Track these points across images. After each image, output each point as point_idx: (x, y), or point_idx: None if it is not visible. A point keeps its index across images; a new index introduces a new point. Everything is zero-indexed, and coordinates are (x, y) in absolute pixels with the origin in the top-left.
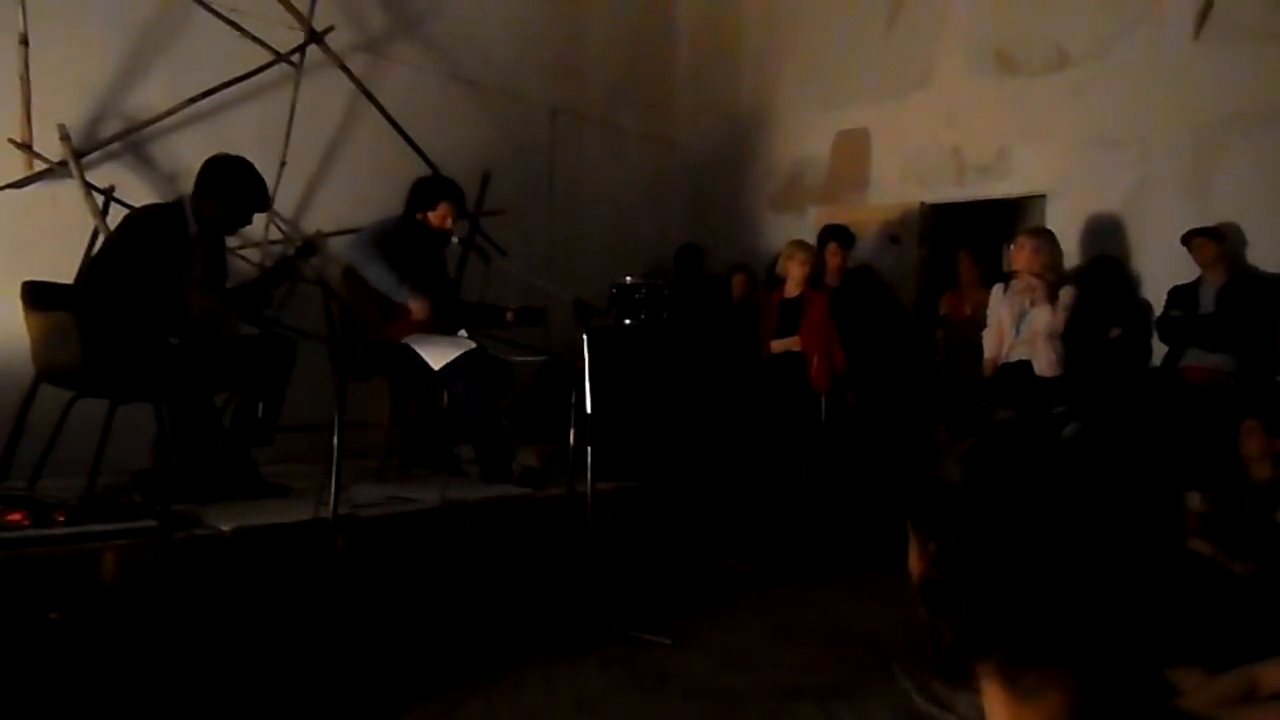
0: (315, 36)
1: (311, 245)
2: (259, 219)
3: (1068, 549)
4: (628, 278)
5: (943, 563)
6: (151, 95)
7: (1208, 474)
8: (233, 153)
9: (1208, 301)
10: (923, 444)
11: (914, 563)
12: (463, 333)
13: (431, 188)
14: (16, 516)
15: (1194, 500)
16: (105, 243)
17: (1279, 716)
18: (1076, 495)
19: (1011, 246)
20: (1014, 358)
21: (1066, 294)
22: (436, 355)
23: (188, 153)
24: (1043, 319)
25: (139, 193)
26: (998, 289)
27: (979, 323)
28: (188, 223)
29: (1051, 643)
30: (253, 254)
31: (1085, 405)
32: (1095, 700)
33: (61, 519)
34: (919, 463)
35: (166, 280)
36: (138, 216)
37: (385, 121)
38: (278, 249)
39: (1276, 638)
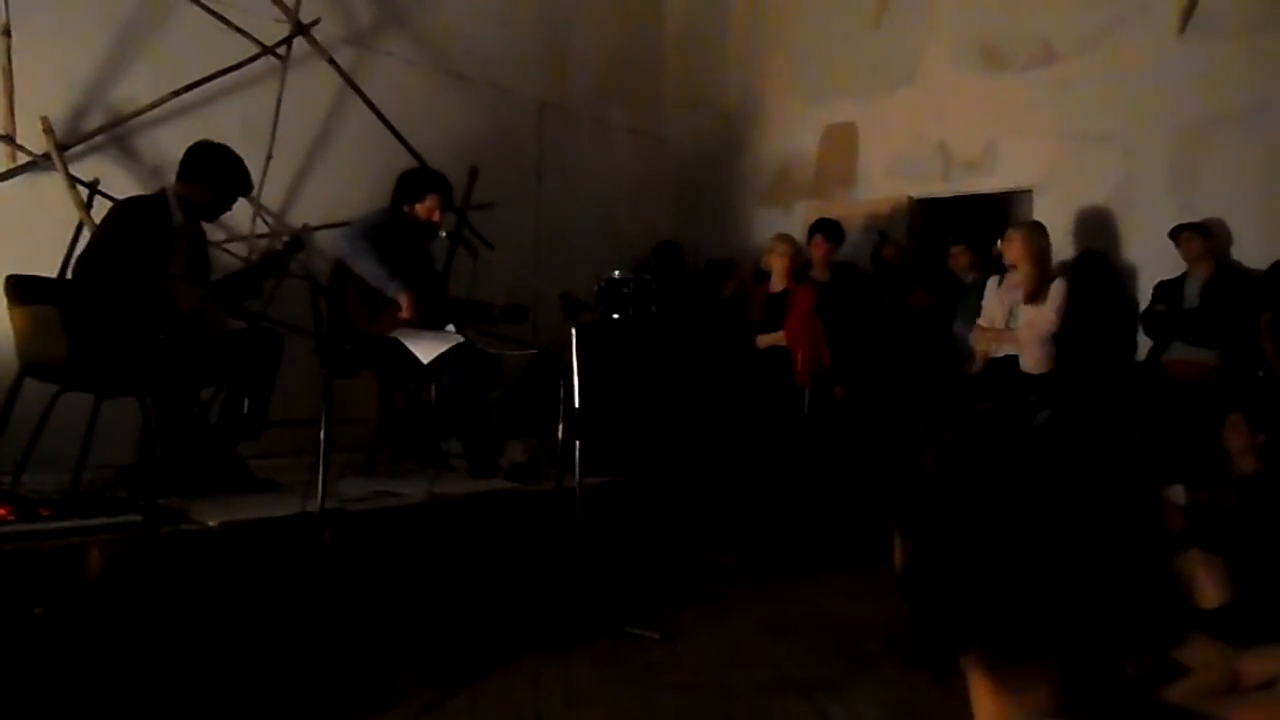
0: (301, 29)
1: (299, 241)
2: (246, 213)
3: (1044, 540)
4: (615, 272)
5: (920, 555)
6: (136, 88)
7: (1191, 468)
8: (214, 140)
9: (1192, 296)
10: (903, 437)
11: (896, 556)
12: (450, 327)
13: (418, 180)
14: (1, 512)
15: (1177, 494)
16: (91, 237)
17: (1263, 708)
18: (1051, 485)
19: (1001, 240)
20: (1002, 353)
21: (1057, 291)
22: (425, 349)
23: (172, 145)
24: (1035, 321)
25: (123, 185)
26: (991, 283)
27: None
28: (172, 213)
29: (1031, 635)
30: (239, 248)
31: (1059, 394)
32: (1078, 691)
33: (46, 514)
34: (898, 456)
35: (152, 272)
36: (121, 208)
37: (372, 114)
38: (264, 243)
39: (1260, 627)
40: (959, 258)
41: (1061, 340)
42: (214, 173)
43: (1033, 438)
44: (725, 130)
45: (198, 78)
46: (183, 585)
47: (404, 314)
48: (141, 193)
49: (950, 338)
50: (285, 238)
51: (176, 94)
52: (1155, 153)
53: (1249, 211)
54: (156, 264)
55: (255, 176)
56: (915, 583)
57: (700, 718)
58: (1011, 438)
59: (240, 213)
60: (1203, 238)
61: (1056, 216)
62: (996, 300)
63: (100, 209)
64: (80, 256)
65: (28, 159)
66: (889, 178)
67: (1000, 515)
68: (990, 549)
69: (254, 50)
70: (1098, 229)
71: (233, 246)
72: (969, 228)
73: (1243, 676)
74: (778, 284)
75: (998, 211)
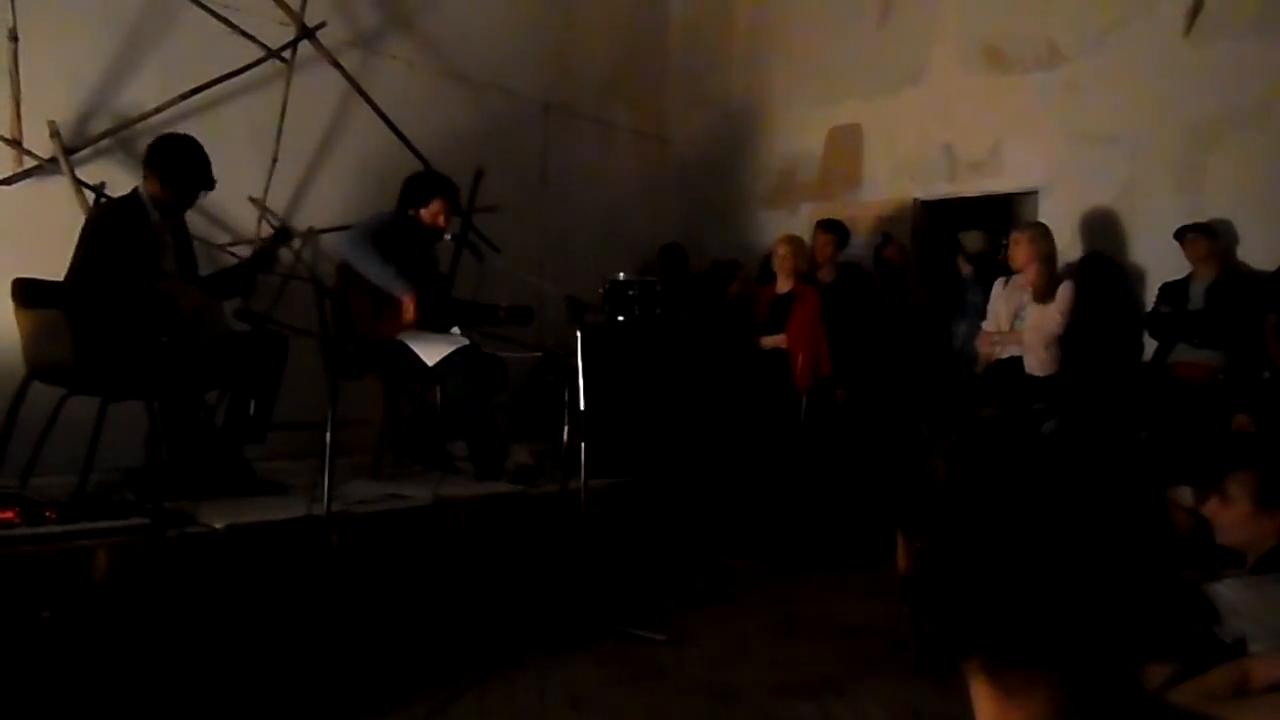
0: (307, 32)
1: (286, 231)
2: (251, 215)
3: (1048, 546)
4: (620, 274)
5: (924, 560)
6: (142, 91)
7: (1198, 469)
8: (182, 133)
9: (1197, 298)
10: (907, 442)
11: (900, 560)
12: (455, 330)
13: (425, 184)
14: (8, 514)
15: (1184, 495)
16: (77, 243)
17: (1271, 710)
18: (1055, 491)
19: (1007, 241)
20: (1006, 354)
21: (1064, 292)
22: (430, 351)
23: None
24: (1041, 323)
25: (129, 189)
26: (997, 285)
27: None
28: (148, 211)
29: (1034, 641)
30: (244, 251)
31: (1065, 401)
32: (1080, 697)
33: (53, 517)
34: (903, 460)
35: (143, 272)
36: (98, 215)
37: (377, 118)
38: None
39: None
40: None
41: (1067, 342)
42: (162, 167)
43: (1037, 445)
44: (730, 132)
45: (203, 81)
46: (189, 588)
47: (405, 315)
48: None
49: (947, 338)
50: (274, 225)
51: (182, 98)
52: (1161, 154)
53: (1255, 212)
54: (145, 263)
55: (260, 179)
56: (919, 587)
57: None
58: (1016, 444)
59: (245, 214)
60: (1208, 239)
61: (1062, 218)
62: (1002, 302)
63: None
64: (69, 269)
65: (34, 163)
66: (894, 179)
67: (1004, 521)
68: (994, 555)
69: (259, 54)
70: (1103, 230)
71: (237, 249)
72: (982, 228)
73: (1251, 678)
74: (783, 285)
75: (1003, 213)
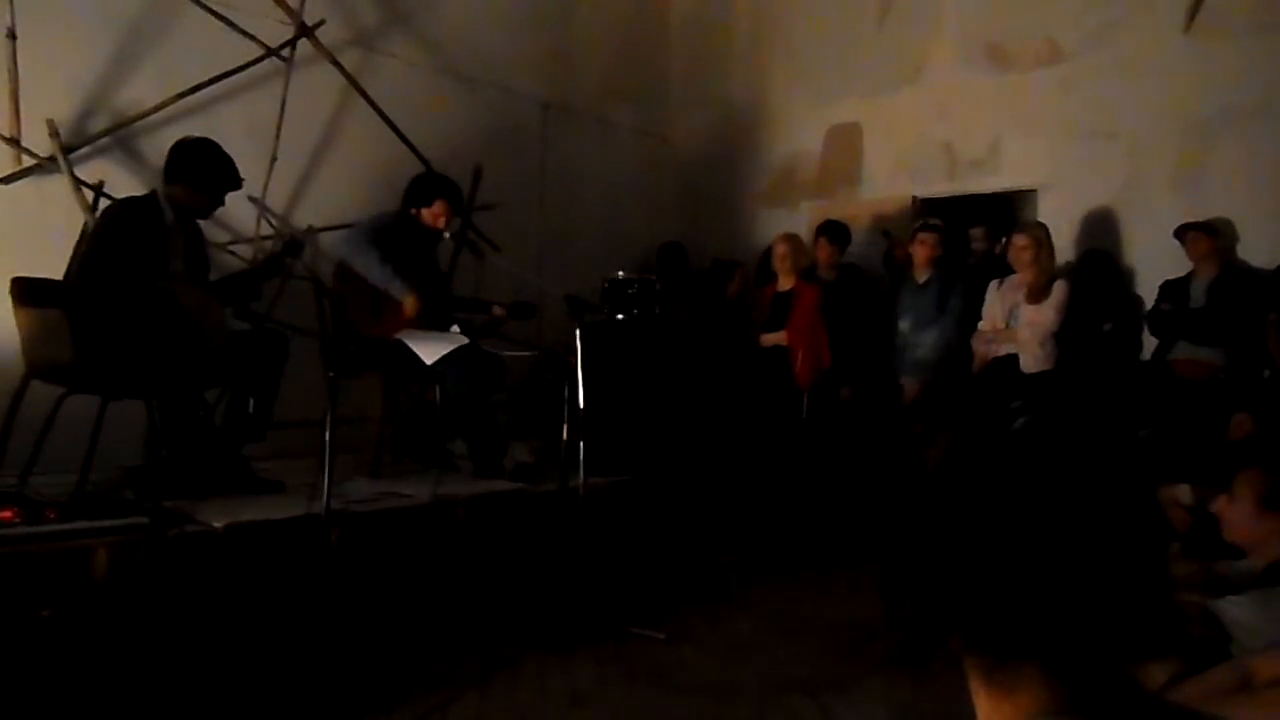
0: (306, 31)
1: (298, 243)
2: (250, 214)
3: (1029, 543)
4: (620, 272)
5: (913, 557)
6: (141, 90)
7: (1198, 467)
8: (199, 135)
9: (1198, 296)
10: (901, 439)
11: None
12: (455, 328)
13: (429, 185)
14: (8, 514)
15: (1184, 493)
16: (88, 240)
17: (1272, 705)
18: (1035, 489)
19: (1007, 240)
20: (1003, 352)
21: (1059, 290)
22: (429, 350)
23: None
24: (1036, 321)
25: (128, 188)
26: (992, 285)
27: None
28: (163, 212)
29: (1018, 637)
30: (244, 250)
31: (1045, 399)
32: (1072, 694)
33: (53, 516)
34: (897, 457)
35: (150, 272)
36: (113, 211)
37: (376, 116)
38: (268, 244)
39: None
40: (925, 246)
41: (1064, 339)
42: (189, 173)
43: (1014, 443)
44: (730, 130)
45: (202, 80)
46: (189, 587)
47: (407, 314)
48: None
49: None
50: (285, 237)
51: (181, 96)
52: (1161, 151)
53: (1256, 210)
54: (154, 264)
55: (259, 178)
56: (904, 582)
57: (706, 718)
58: (997, 443)
59: (244, 214)
60: (1209, 237)
61: (1062, 215)
62: (998, 301)
63: None
64: (80, 261)
65: (33, 161)
66: (894, 177)
67: (985, 518)
68: (977, 551)
69: (258, 52)
70: (1103, 228)
71: (237, 248)
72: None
73: (1254, 674)
74: (784, 283)
75: (1003, 211)
